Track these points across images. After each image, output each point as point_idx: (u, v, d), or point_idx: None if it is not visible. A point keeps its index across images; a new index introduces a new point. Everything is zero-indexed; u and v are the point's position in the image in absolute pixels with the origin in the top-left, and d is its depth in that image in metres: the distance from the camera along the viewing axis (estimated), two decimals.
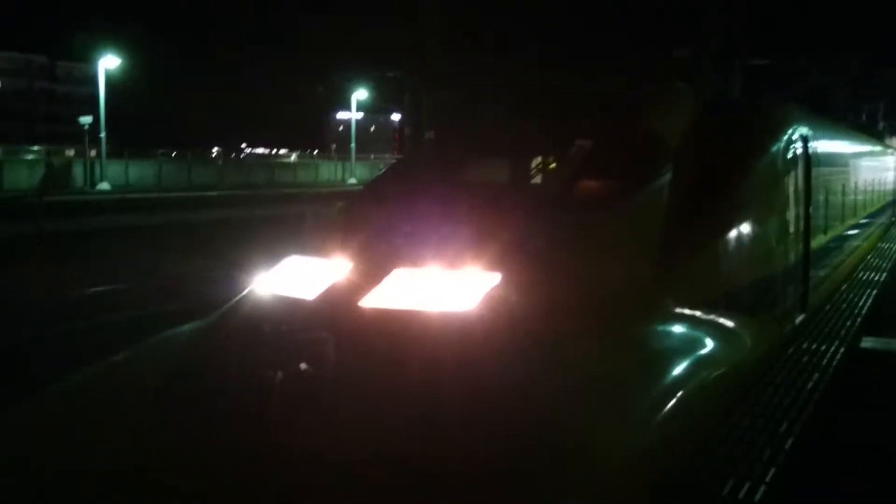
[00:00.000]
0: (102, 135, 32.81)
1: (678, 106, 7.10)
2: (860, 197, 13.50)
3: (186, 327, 5.25)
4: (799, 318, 8.36)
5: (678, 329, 5.54)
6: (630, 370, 4.78)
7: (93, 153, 33.45)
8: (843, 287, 11.08)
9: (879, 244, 16.83)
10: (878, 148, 19.65)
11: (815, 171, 8.89)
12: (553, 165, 6.09)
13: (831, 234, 10.43)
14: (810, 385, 6.18)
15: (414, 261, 4.81)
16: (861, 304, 9.99)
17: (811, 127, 9.01)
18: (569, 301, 4.76)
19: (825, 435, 5.19)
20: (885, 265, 13.64)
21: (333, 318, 4.50)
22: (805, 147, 8.63)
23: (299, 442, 3.60)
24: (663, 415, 4.69)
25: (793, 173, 7.94)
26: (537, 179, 6.01)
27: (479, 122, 7.13)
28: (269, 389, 4.04)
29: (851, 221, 12.47)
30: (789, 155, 7.81)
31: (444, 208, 5.33)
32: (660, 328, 5.42)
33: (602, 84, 7.78)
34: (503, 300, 4.53)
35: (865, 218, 14.69)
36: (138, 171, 35.80)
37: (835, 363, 6.90)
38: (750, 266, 6.68)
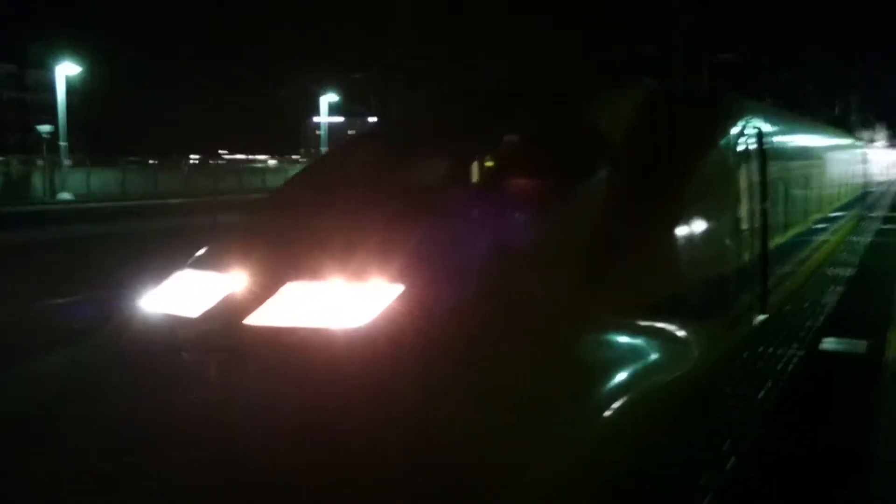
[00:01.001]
0: (63, 143, 31.97)
1: (623, 101, 6.68)
2: (826, 191, 13.14)
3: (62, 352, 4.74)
4: (758, 320, 7.95)
5: (613, 339, 5.10)
6: (554, 387, 4.33)
7: (68, 162, 32.75)
8: (809, 284, 10.70)
9: (850, 238, 16.57)
10: (845, 141, 19.30)
11: (771, 166, 8.49)
12: (477, 164, 5.62)
13: (794, 230, 10.04)
14: (761, 394, 5.75)
15: (310, 273, 4.34)
16: (825, 301, 9.61)
17: (766, 120, 8.60)
18: (484, 313, 4.30)
19: (771, 451, 4.74)
20: (854, 260, 13.32)
21: (214, 338, 4.02)
22: (759, 140, 8.22)
23: (162, 469, 3.18)
24: (591, 435, 4.26)
25: (746, 168, 7.52)
26: (459, 179, 5.53)
27: (404, 120, 6.66)
28: (137, 413, 3.58)
29: (817, 216, 12.11)
30: (741, 149, 7.39)
31: (349, 214, 4.86)
32: (591, 338, 4.96)
33: (537, 78, 7.32)
34: (405, 315, 4.06)
35: (834, 212, 14.35)
36: (101, 180, 34.93)
37: (790, 368, 6.49)
38: (698, 268, 6.24)
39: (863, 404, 5.61)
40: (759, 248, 8.19)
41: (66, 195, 31.64)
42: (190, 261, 4.92)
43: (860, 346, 7.14)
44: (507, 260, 4.71)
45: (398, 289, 4.16)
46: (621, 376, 4.82)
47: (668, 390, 5.31)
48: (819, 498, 4.24)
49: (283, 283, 4.28)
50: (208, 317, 4.18)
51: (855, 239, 16.45)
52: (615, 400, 4.61)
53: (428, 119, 6.43)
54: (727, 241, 6.84)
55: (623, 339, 5.13)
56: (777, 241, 8.84)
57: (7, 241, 18.20)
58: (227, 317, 4.11)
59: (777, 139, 9.04)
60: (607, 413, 4.43)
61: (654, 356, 5.33)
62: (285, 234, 4.87)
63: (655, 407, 4.99)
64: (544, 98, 6.55)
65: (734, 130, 7.33)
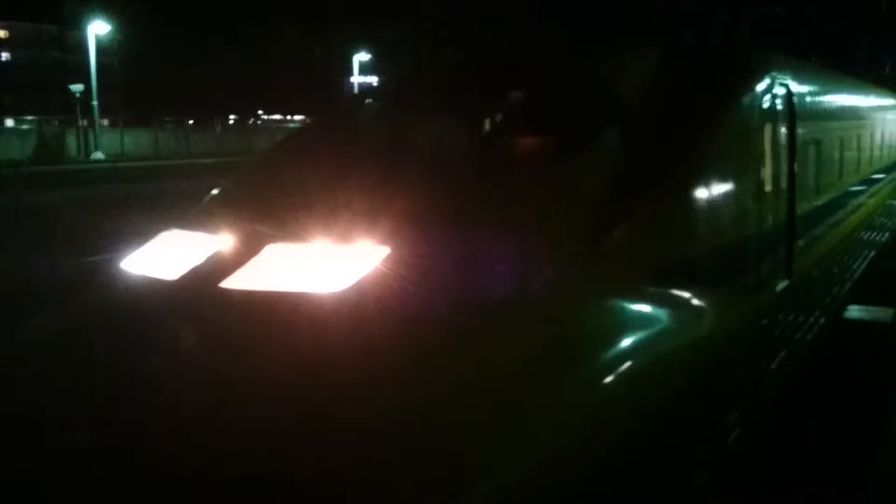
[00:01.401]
0: (95, 103, 32.18)
1: (635, 59, 6.37)
2: (864, 153, 12.59)
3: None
4: (782, 286, 7.64)
5: (616, 304, 4.88)
6: (551, 352, 4.15)
7: (105, 122, 33.03)
8: (840, 248, 10.30)
9: (891, 201, 15.92)
10: (890, 101, 18.45)
11: (801, 125, 8.08)
12: (476, 125, 5.39)
13: (825, 192, 9.62)
14: (774, 364, 5.51)
15: (293, 234, 4.19)
16: (856, 267, 9.22)
17: (796, 76, 8.17)
18: (475, 278, 4.12)
19: (779, 424, 4.52)
20: (891, 224, 12.80)
21: (189, 301, 3.91)
22: (789, 97, 7.81)
23: (130, 438, 3.09)
24: (590, 407, 4.09)
25: (771, 127, 7.16)
26: (456, 140, 5.31)
27: (405, 82, 6.42)
28: (104, 380, 3.49)
29: (853, 178, 11.61)
30: (766, 106, 7.02)
31: (340, 174, 4.69)
32: (596, 305, 4.75)
33: (549, 35, 6.99)
34: (390, 278, 3.90)
35: (873, 174, 13.79)
36: (135, 140, 35.24)
37: (809, 337, 6.21)
38: (712, 232, 5.97)
39: (883, 375, 5.34)
40: (785, 211, 7.84)
41: (99, 155, 32.00)
42: (177, 220, 4.82)
43: (886, 314, 6.82)
44: (508, 221, 4.51)
45: (384, 251, 4.00)
46: (626, 342, 4.62)
47: (676, 358, 5.10)
48: (825, 473, 4.02)
49: (264, 244, 4.14)
50: (185, 279, 4.06)
51: (894, 203, 15.82)
52: (618, 366, 4.42)
53: (429, 81, 6.20)
54: (747, 205, 6.53)
55: (627, 304, 4.92)
56: (805, 204, 8.47)
57: (41, 200, 18.46)
58: (204, 279, 3.99)
59: (808, 97, 8.60)
60: (609, 379, 4.24)
61: (661, 323, 5.11)
62: (273, 195, 4.73)
63: (662, 375, 4.80)
64: (549, 59, 6.26)
65: (758, 87, 6.95)
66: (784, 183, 7.93)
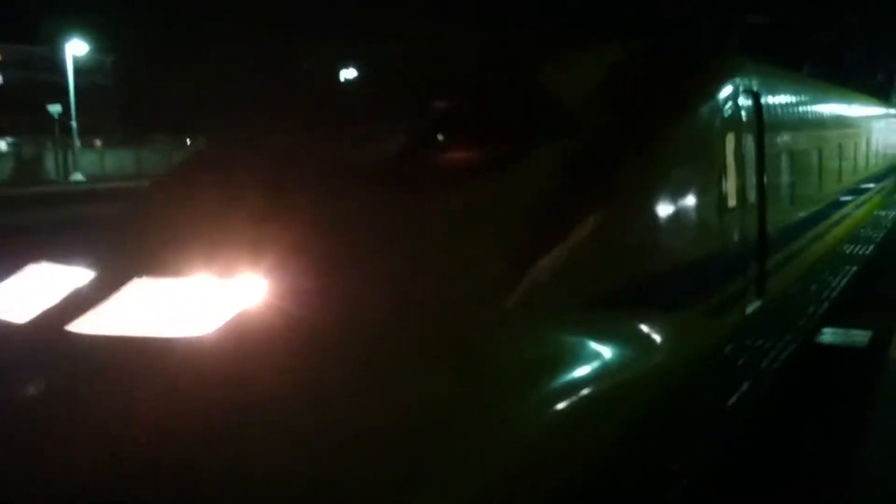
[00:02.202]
0: (73, 122, 31.73)
1: (584, 63, 5.89)
2: (847, 162, 12.07)
3: None
4: (752, 307, 7.12)
5: (548, 337, 4.36)
6: (463, 402, 3.62)
7: (98, 143, 32.48)
8: (821, 264, 9.77)
9: (878, 212, 15.39)
10: (876, 109, 17.91)
11: (771, 133, 7.59)
12: (392, 139, 4.88)
13: (803, 204, 9.11)
14: (733, 399, 4.97)
15: (167, 267, 3.68)
16: (836, 284, 8.70)
17: (766, 82, 7.69)
18: (380, 310, 3.60)
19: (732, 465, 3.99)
20: (876, 236, 12.28)
21: (32, 348, 3.40)
22: (756, 104, 7.33)
23: None
24: (508, 458, 3.56)
25: (735, 136, 6.66)
26: (368, 154, 4.80)
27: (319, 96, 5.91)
28: None
29: (835, 189, 11.09)
30: (729, 114, 6.53)
31: (229, 198, 4.18)
32: (520, 338, 4.22)
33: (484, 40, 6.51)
34: (268, 319, 3.38)
35: (857, 185, 13.24)
36: (116, 160, 34.77)
37: (776, 366, 5.68)
38: (669, 252, 5.46)
39: (853, 408, 4.82)
40: (755, 227, 7.34)
41: (78, 176, 31.49)
42: (49, 252, 4.30)
43: (861, 337, 6.30)
44: (412, 246, 3.99)
45: (266, 286, 3.48)
46: (553, 381, 4.10)
47: (626, 391, 4.58)
48: None
49: (130, 279, 3.62)
50: (33, 321, 3.55)
51: (882, 213, 15.29)
52: (554, 404, 3.91)
53: (343, 93, 5.71)
54: (708, 221, 6.03)
55: (559, 335, 4.40)
56: (778, 217, 7.96)
57: (15, 223, 17.99)
58: (51, 321, 3.48)
59: (779, 104, 8.11)
60: (543, 419, 3.74)
61: (599, 357, 4.60)
62: (155, 223, 4.21)
63: (594, 419, 4.27)
64: (483, 65, 5.78)
65: (721, 94, 6.47)
66: (753, 196, 7.42)
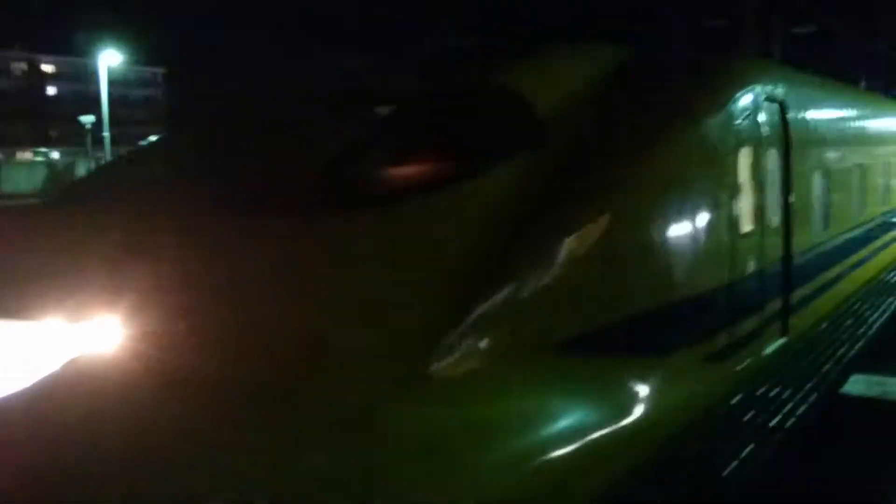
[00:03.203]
0: (106, 133, 31.83)
1: (569, 66, 5.12)
2: (891, 181, 10.99)
3: None
4: (773, 346, 6.22)
5: (502, 389, 3.63)
6: (387, 467, 2.94)
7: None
8: (858, 297, 8.76)
9: None
10: None
11: (800, 148, 6.70)
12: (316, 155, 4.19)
13: (837, 229, 8.15)
14: (731, 468, 4.13)
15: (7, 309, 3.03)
16: (873, 320, 7.71)
17: (793, 89, 6.80)
18: (273, 357, 2.92)
19: None
20: None
21: None
22: (782, 115, 6.46)
23: None
24: None
25: (754, 151, 5.81)
26: (290, 168, 4.10)
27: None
28: None
29: (875, 212, 10.05)
30: (746, 126, 5.68)
31: (102, 223, 3.52)
32: (461, 392, 3.50)
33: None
34: (107, 372, 2.69)
35: None
36: None
37: (789, 423, 4.81)
38: (661, 283, 4.66)
39: (885, 475, 3.94)
40: (779, 254, 6.45)
41: None
42: None
43: (895, 387, 5.37)
44: (316, 276, 3.29)
45: (120, 330, 2.81)
46: (507, 441, 3.40)
47: (600, 455, 3.81)
48: None
49: None
50: None
51: None
52: (492, 483, 3.17)
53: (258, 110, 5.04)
54: (714, 247, 5.19)
55: (515, 386, 3.66)
56: (807, 244, 7.05)
57: None
58: None
59: (810, 114, 7.21)
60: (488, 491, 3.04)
61: (570, 411, 3.84)
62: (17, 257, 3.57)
63: (578, 480, 3.53)
64: (439, 67, 5.05)
65: (736, 103, 5.63)
66: (776, 220, 6.53)
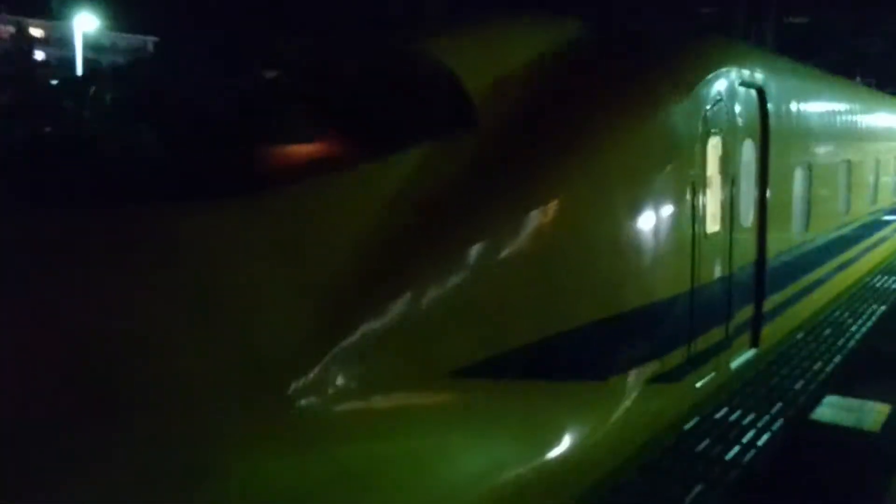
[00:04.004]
0: None
1: (510, 40, 4.41)
2: (883, 178, 10.34)
3: None
4: (740, 360, 5.59)
5: (395, 428, 3.01)
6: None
7: None
8: (842, 303, 8.13)
9: None
10: None
11: (781, 140, 6.05)
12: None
13: (821, 230, 7.51)
14: None
15: None
16: (855, 329, 7.09)
17: (774, 75, 6.12)
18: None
19: None
20: None
21: None
22: (761, 103, 5.79)
23: None
24: None
25: (725, 141, 5.14)
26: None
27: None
28: None
29: (864, 211, 9.41)
30: (717, 113, 5.01)
31: None
32: (338, 429, 2.88)
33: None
34: None
35: (892, 206, 11.42)
36: None
37: (747, 458, 4.16)
38: (605, 294, 4.00)
39: None
40: (752, 257, 5.80)
41: None
42: None
43: (872, 414, 4.74)
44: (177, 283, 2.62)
45: None
46: (409, 489, 2.79)
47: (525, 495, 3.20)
48: None
49: None
50: None
51: None
52: None
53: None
54: (676, 251, 4.53)
55: (415, 423, 3.03)
56: (784, 246, 6.40)
57: None
58: None
59: (793, 104, 6.53)
60: None
61: (482, 449, 3.22)
62: None
63: None
64: (359, 39, 4.35)
65: (707, 87, 4.95)
66: (749, 220, 5.88)
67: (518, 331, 3.42)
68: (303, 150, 3.42)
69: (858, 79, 23.44)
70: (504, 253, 3.35)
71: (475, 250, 3.27)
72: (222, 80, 3.96)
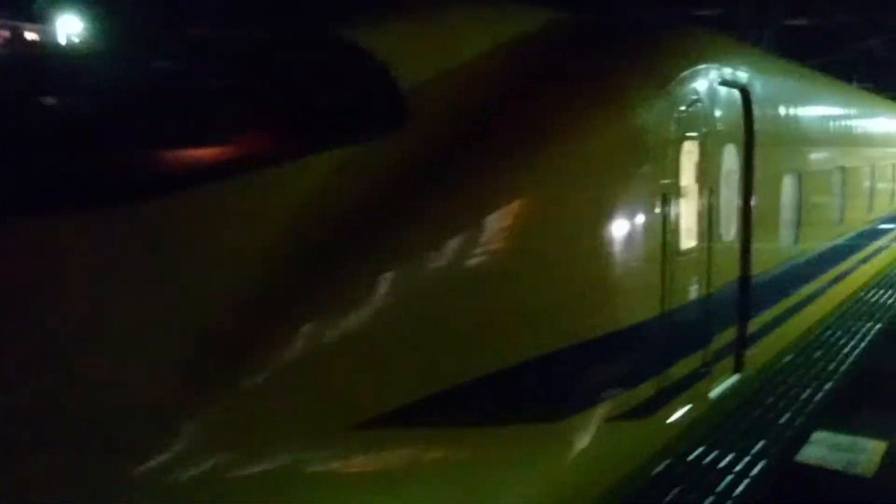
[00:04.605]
0: None
1: (449, 28, 3.86)
2: (877, 184, 9.79)
3: None
4: (722, 388, 5.05)
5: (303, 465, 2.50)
6: None
7: None
8: (836, 319, 7.59)
9: None
10: None
11: (767, 145, 5.52)
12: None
13: (811, 241, 6.97)
14: None
15: None
16: (847, 350, 6.55)
17: (760, 74, 5.59)
18: None
19: None
20: None
21: None
22: (746, 104, 5.26)
23: None
24: None
25: (702, 145, 4.61)
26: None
27: None
28: None
29: (858, 218, 8.87)
30: (692, 114, 4.47)
31: None
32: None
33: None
34: None
35: (890, 216, 10.83)
36: None
37: None
38: (557, 322, 3.47)
39: None
40: (735, 274, 5.27)
41: None
42: None
43: (866, 453, 4.20)
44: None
45: None
46: None
47: None
48: None
49: None
50: None
51: None
52: None
53: None
54: (644, 271, 4.00)
55: (335, 474, 2.52)
56: (771, 261, 5.86)
57: None
58: None
59: (781, 107, 6.00)
60: None
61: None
62: None
63: None
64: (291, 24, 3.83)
65: (686, 86, 4.42)
66: (731, 234, 5.34)
67: (447, 370, 2.89)
68: (196, 152, 2.89)
69: (855, 83, 22.92)
70: (427, 277, 2.81)
71: (391, 275, 2.74)
72: (119, 75, 3.44)
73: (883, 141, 10.39)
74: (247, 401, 2.35)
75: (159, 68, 3.40)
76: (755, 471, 4.00)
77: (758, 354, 5.65)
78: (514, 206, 3.23)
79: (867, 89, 19.29)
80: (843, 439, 4.44)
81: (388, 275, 2.72)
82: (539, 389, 3.30)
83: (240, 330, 2.41)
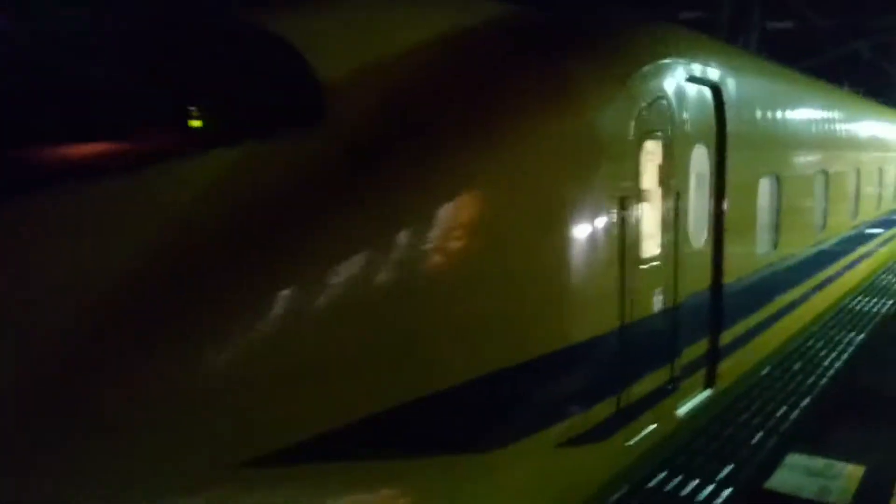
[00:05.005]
0: None
1: (380, 19, 3.51)
2: (861, 189, 9.47)
3: None
4: (692, 404, 4.72)
5: None
6: None
7: None
8: (817, 329, 7.28)
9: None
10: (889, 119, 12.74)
11: (740, 146, 5.20)
12: None
13: (791, 247, 6.65)
14: None
15: None
16: (828, 362, 6.23)
17: (732, 71, 5.27)
18: None
19: None
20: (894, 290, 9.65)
21: None
22: (718, 102, 4.94)
23: None
24: None
25: (667, 146, 4.28)
26: None
27: None
28: None
29: (841, 223, 8.57)
30: (657, 114, 4.15)
31: None
32: None
33: None
34: None
35: (872, 222, 10.47)
36: None
37: None
38: (497, 340, 3.13)
39: None
40: (706, 283, 4.95)
41: None
42: None
43: (841, 479, 3.87)
44: None
45: None
46: None
47: None
48: None
49: None
50: None
51: None
52: None
53: None
54: (596, 281, 3.65)
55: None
56: (746, 269, 5.54)
57: None
58: None
59: (756, 106, 5.69)
60: None
61: None
62: None
63: None
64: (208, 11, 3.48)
65: (649, 83, 4.09)
66: (701, 241, 5.02)
67: (353, 398, 2.54)
68: (80, 149, 2.54)
69: (847, 86, 22.70)
70: (330, 294, 2.47)
71: (287, 292, 2.39)
72: (19, 67, 3.09)
73: (869, 144, 10.09)
74: (105, 436, 2.00)
75: (60, 59, 3.05)
76: (719, 500, 3.66)
77: (732, 368, 5.33)
78: (445, 213, 2.89)
79: (857, 93, 19.04)
80: (817, 463, 4.11)
81: (284, 293, 2.37)
82: (472, 416, 2.96)
83: (94, 353, 2.07)
